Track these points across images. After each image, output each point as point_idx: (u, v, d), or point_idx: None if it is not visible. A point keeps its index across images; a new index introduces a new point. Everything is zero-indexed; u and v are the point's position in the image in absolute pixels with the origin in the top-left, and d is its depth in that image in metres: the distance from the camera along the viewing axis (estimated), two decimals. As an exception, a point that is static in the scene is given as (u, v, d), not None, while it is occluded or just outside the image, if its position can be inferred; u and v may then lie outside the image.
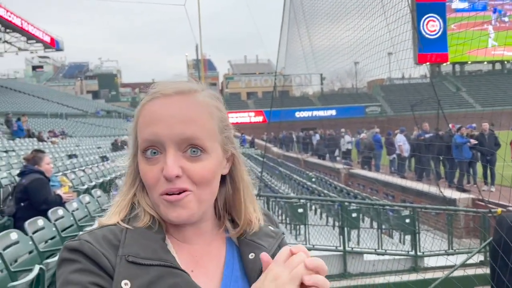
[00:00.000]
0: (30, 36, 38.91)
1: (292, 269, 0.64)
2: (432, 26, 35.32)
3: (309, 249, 6.54)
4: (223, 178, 0.81)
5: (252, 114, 44.40)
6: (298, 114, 42.67)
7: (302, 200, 8.11)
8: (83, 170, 8.86)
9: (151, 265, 0.70)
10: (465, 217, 8.42)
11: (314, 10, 16.26)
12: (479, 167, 11.43)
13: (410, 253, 7.03)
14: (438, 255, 6.47)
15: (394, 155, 14.76)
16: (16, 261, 3.33)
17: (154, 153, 0.73)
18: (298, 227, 7.83)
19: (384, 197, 11.63)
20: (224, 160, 0.80)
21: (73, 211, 4.77)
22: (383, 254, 6.86)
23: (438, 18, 35.36)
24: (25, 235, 3.57)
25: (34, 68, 69.96)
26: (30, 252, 3.55)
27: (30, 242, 3.57)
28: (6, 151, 12.01)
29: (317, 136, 24.06)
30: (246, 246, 0.81)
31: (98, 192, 6.34)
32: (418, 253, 6.98)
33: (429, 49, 34.87)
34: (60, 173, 7.64)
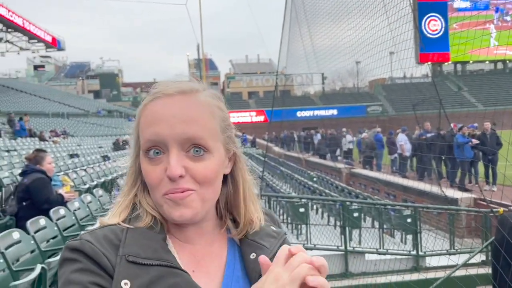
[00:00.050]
0: (31, 36, 38.99)
1: (293, 270, 0.64)
2: (433, 25, 35.28)
3: (311, 249, 6.55)
4: (224, 177, 0.81)
5: (254, 113, 44.39)
6: (300, 114, 42.63)
7: (303, 200, 8.10)
8: (85, 170, 8.87)
9: (151, 265, 0.70)
10: (467, 216, 8.41)
11: (315, 10, 16.25)
12: (480, 166, 11.40)
13: (412, 252, 7.02)
14: (440, 254, 6.46)
15: (396, 155, 14.75)
16: (18, 260, 3.33)
17: (157, 153, 0.73)
18: (299, 226, 7.83)
19: (386, 197, 11.62)
20: (226, 160, 0.80)
21: (75, 210, 4.78)
22: (384, 254, 6.86)
23: (440, 17, 35.33)
24: (27, 234, 3.57)
25: (36, 67, 70.08)
26: (32, 252, 3.55)
27: (32, 242, 3.57)
28: (8, 151, 12.04)
29: (319, 136, 24.06)
30: (248, 246, 0.81)
31: (99, 191, 6.34)
32: (420, 253, 6.97)
33: (430, 49, 34.86)
34: (62, 173, 7.66)
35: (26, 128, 18.84)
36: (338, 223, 7.83)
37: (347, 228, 7.08)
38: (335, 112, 41.77)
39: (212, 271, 0.78)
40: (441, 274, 4.70)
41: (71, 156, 12.58)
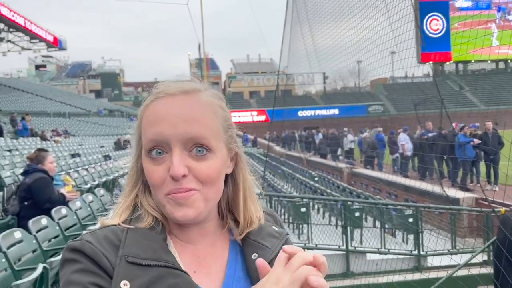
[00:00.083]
0: (33, 36, 39.02)
1: (293, 272, 0.63)
2: (435, 25, 35.25)
3: (312, 249, 6.55)
4: (226, 177, 0.81)
5: (255, 113, 44.39)
6: (301, 113, 42.61)
7: (304, 199, 8.10)
8: (86, 169, 8.88)
9: (151, 266, 0.70)
10: (468, 216, 8.39)
11: (317, 9, 16.22)
12: (482, 166, 11.39)
13: (413, 252, 7.02)
14: (441, 254, 6.45)
15: (397, 154, 14.72)
16: (20, 259, 3.34)
17: (159, 153, 0.73)
18: (301, 226, 7.83)
19: (387, 196, 11.61)
20: (229, 159, 0.80)
21: (76, 210, 4.78)
22: (386, 254, 6.85)
23: (442, 17, 35.28)
24: (28, 234, 3.58)
25: (37, 67, 70.19)
26: (34, 251, 3.56)
27: (34, 241, 3.58)
28: (9, 150, 12.05)
29: (320, 135, 24.05)
30: (249, 246, 0.81)
31: (101, 191, 6.35)
32: (421, 253, 6.96)
33: (432, 48, 34.79)
34: (63, 172, 7.66)
35: (28, 128, 18.88)
36: (339, 223, 7.83)
37: (348, 228, 7.07)
38: (336, 111, 41.74)
39: (213, 272, 0.78)
40: (443, 274, 4.69)
41: (73, 155, 12.60)
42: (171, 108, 0.73)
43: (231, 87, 56.28)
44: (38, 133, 18.79)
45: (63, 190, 4.78)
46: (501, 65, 48.28)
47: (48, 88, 49.46)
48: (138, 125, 0.78)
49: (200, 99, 0.76)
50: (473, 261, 4.83)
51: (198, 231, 0.79)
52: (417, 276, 5.75)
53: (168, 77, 0.81)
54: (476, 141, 10.85)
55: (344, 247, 6.85)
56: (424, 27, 33.80)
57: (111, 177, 8.66)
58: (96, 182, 7.59)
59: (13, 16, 34.85)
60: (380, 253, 6.90)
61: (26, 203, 4.37)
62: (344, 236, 6.99)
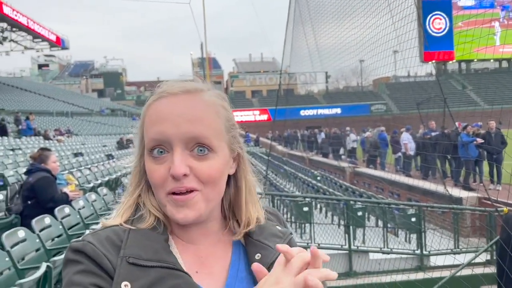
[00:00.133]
0: (36, 35, 39.12)
1: (294, 274, 0.62)
2: (438, 24, 35.17)
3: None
4: (228, 178, 0.81)
5: (257, 112, 44.39)
6: (303, 113, 42.60)
7: (307, 199, 8.10)
8: (89, 168, 8.91)
9: (152, 267, 0.69)
10: (472, 216, 8.36)
11: (319, 8, 16.21)
12: (485, 165, 11.35)
13: (416, 252, 7.00)
14: (444, 254, 6.43)
15: (400, 154, 14.69)
16: (23, 258, 3.35)
17: (161, 152, 0.73)
18: (303, 225, 7.83)
19: (390, 196, 11.57)
20: (231, 160, 0.80)
21: (80, 209, 4.80)
22: (388, 253, 6.84)
23: (444, 16, 35.20)
24: (32, 233, 3.59)
25: (40, 66, 70.37)
26: (37, 250, 3.57)
27: (37, 240, 3.59)
28: (12, 149, 12.09)
29: (322, 135, 24.01)
30: (253, 246, 0.81)
31: (104, 190, 6.36)
32: (424, 252, 6.95)
33: (435, 47, 34.71)
34: (66, 171, 7.69)
35: (32, 127, 18.94)
36: (342, 222, 7.81)
37: (351, 227, 7.06)
38: (338, 111, 41.71)
39: (215, 272, 0.78)
40: (446, 273, 4.67)
41: (76, 155, 12.63)
42: (173, 108, 0.73)
43: (233, 86, 56.31)
44: (41, 133, 18.84)
45: (66, 189, 4.78)
46: (504, 64, 48.09)
47: (50, 88, 49.59)
48: (141, 124, 0.78)
49: (202, 99, 0.76)
50: (476, 260, 4.82)
51: (200, 231, 0.79)
52: (420, 275, 5.74)
53: (170, 77, 0.81)
54: (479, 140, 10.81)
55: (346, 247, 6.85)
56: (427, 26, 33.73)
57: (114, 176, 8.68)
58: (99, 181, 7.61)
59: (16, 15, 34.94)
60: (383, 252, 6.88)
61: (29, 202, 4.38)
62: (346, 235, 6.98)
